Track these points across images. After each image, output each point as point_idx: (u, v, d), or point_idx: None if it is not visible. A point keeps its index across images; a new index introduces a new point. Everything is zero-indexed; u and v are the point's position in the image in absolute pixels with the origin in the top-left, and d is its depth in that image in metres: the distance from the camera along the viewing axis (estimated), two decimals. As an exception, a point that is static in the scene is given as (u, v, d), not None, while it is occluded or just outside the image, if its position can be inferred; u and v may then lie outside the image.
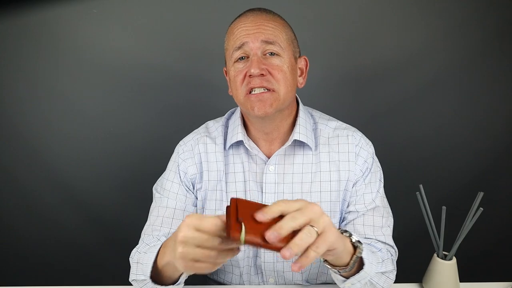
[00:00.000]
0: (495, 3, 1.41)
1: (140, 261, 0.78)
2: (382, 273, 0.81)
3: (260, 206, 0.58)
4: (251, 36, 0.83)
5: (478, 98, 1.49)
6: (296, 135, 0.89)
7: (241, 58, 0.84)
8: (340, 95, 1.48)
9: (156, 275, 0.75)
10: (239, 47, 0.84)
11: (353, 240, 0.71)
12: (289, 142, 0.89)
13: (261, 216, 0.55)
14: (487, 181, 1.54)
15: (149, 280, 0.74)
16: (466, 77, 1.48)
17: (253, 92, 0.83)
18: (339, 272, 0.73)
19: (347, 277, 0.75)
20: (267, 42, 0.83)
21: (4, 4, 1.36)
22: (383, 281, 0.81)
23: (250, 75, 0.82)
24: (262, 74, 0.82)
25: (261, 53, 0.83)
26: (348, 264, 0.71)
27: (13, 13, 1.38)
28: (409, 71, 1.47)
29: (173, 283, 0.75)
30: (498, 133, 1.52)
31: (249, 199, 0.88)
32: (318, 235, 0.56)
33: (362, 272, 0.74)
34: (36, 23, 1.38)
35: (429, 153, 1.53)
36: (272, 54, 0.84)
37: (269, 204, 0.58)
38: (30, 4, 1.37)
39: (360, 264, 0.74)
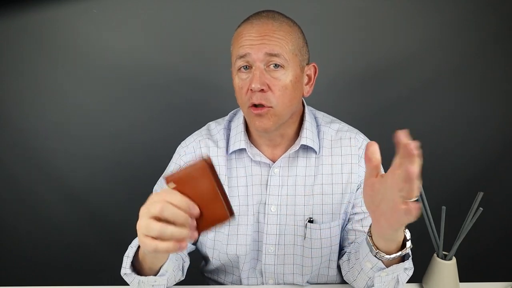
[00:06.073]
0: (494, 4, 1.41)
1: (128, 255, 0.78)
2: (406, 268, 0.79)
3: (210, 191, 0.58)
4: (255, 48, 0.80)
5: (478, 97, 1.50)
6: (304, 140, 0.89)
7: (245, 68, 0.82)
8: (338, 95, 1.48)
9: (141, 269, 0.76)
10: (242, 57, 0.81)
11: (408, 237, 0.69)
12: (296, 147, 0.89)
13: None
14: (487, 181, 1.54)
15: (131, 271, 0.74)
16: (466, 77, 1.48)
17: (253, 107, 0.82)
18: (383, 258, 0.70)
19: (386, 266, 0.73)
20: (271, 55, 0.80)
21: (4, 4, 1.36)
22: (405, 277, 0.80)
23: (251, 90, 0.80)
24: (263, 90, 0.80)
25: (264, 65, 0.81)
26: (392, 253, 0.69)
27: (13, 13, 1.38)
28: (408, 71, 1.47)
29: (155, 274, 0.75)
30: (497, 133, 1.52)
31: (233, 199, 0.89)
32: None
33: (401, 264, 0.72)
34: (36, 23, 1.38)
35: (429, 153, 1.51)
36: (276, 66, 0.81)
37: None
38: (30, 4, 1.37)
39: (399, 258, 0.72)
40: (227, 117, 0.98)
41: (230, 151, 0.91)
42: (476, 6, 1.41)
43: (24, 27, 1.39)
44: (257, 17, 0.84)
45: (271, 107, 0.82)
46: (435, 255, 0.89)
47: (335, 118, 1.00)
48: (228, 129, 0.96)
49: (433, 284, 0.88)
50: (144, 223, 0.57)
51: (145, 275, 0.75)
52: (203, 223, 0.60)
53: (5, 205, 1.53)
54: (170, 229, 0.56)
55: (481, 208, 0.83)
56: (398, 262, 0.73)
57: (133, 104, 1.48)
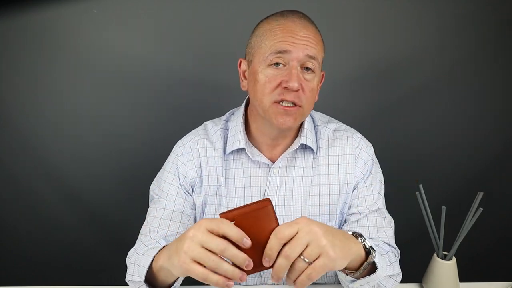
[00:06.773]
0: (494, 4, 1.41)
1: (137, 263, 0.78)
2: (390, 276, 0.80)
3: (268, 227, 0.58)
4: (298, 47, 0.79)
5: (478, 98, 1.49)
6: (303, 139, 0.89)
7: (276, 64, 0.81)
8: (338, 95, 1.48)
9: (151, 278, 0.75)
10: (280, 52, 0.80)
11: (367, 246, 0.70)
12: (296, 146, 0.89)
13: (267, 263, 0.57)
14: (487, 181, 1.54)
15: (143, 283, 0.74)
16: (465, 77, 1.48)
17: (282, 104, 0.81)
18: (348, 274, 0.72)
19: (356, 278, 0.74)
20: (311, 57, 0.80)
21: (4, 4, 1.36)
22: (390, 284, 0.80)
23: (285, 87, 0.79)
24: (297, 90, 0.80)
25: (300, 66, 0.81)
26: (358, 269, 0.70)
27: (13, 13, 1.38)
28: (408, 71, 1.47)
29: (168, 287, 0.75)
30: (497, 133, 1.52)
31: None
32: (311, 263, 0.58)
33: (373, 275, 0.73)
34: (36, 23, 1.38)
35: (429, 152, 1.53)
36: (307, 69, 0.82)
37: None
38: (30, 4, 1.37)
39: (372, 267, 0.73)
40: (224, 117, 0.98)
41: (229, 151, 0.91)
42: (476, 6, 1.41)
43: (24, 27, 1.38)
44: (295, 14, 0.83)
45: (301, 106, 0.82)
46: (435, 255, 0.89)
47: (332, 118, 1.00)
48: (225, 129, 0.95)
49: (433, 284, 0.88)
50: (198, 249, 0.55)
51: (156, 286, 0.75)
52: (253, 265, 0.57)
53: (5, 205, 1.53)
54: (226, 266, 0.55)
55: (481, 208, 0.83)
56: (370, 273, 0.73)
57: (133, 104, 1.48)
